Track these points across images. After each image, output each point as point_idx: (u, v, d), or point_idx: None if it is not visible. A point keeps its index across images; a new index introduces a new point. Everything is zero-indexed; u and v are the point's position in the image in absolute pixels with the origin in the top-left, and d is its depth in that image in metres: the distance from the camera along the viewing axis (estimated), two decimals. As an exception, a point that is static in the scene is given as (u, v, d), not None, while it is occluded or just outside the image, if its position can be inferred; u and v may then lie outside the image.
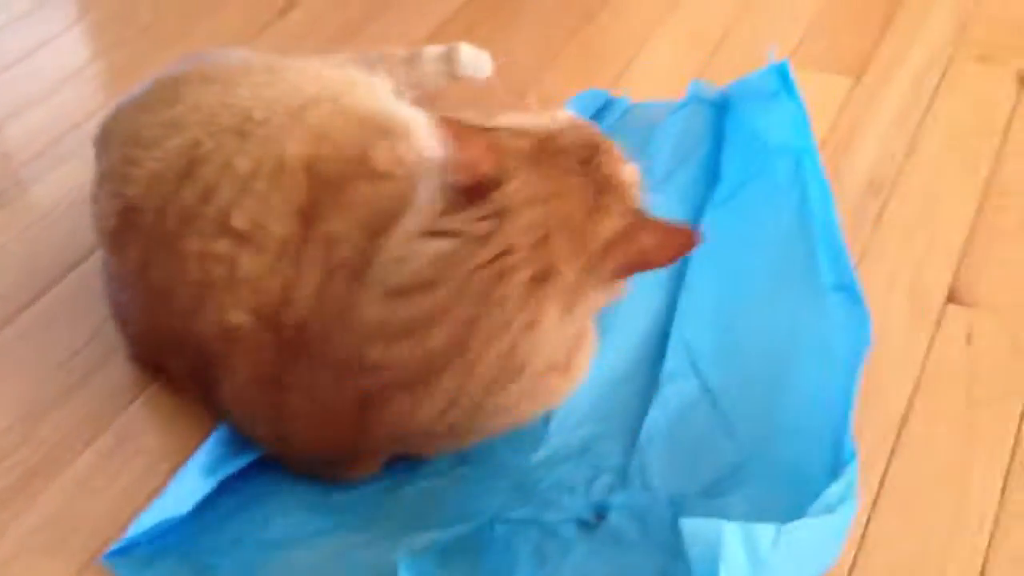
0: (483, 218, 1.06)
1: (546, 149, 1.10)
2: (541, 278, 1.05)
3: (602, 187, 1.10)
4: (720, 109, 1.61)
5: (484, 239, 1.05)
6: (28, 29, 1.98)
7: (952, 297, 1.46)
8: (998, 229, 1.56)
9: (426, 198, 1.10)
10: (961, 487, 1.25)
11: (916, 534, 1.21)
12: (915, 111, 1.76)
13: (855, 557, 1.19)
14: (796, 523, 1.04)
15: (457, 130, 1.06)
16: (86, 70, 1.90)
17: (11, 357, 1.42)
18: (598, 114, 1.68)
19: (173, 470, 1.22)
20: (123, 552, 1.15)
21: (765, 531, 1.01)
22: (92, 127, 1.72)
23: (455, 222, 1.06)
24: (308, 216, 1.17)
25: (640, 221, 1.10)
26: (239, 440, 1.23)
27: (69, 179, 1.66)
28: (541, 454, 1.26)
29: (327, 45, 1.89)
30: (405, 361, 1.07)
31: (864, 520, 1.22)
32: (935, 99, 1.78)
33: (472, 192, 1.06)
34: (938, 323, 1.43)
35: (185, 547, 1.16)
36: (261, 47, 1.88)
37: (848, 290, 1.36)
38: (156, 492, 1.20)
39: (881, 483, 1.25)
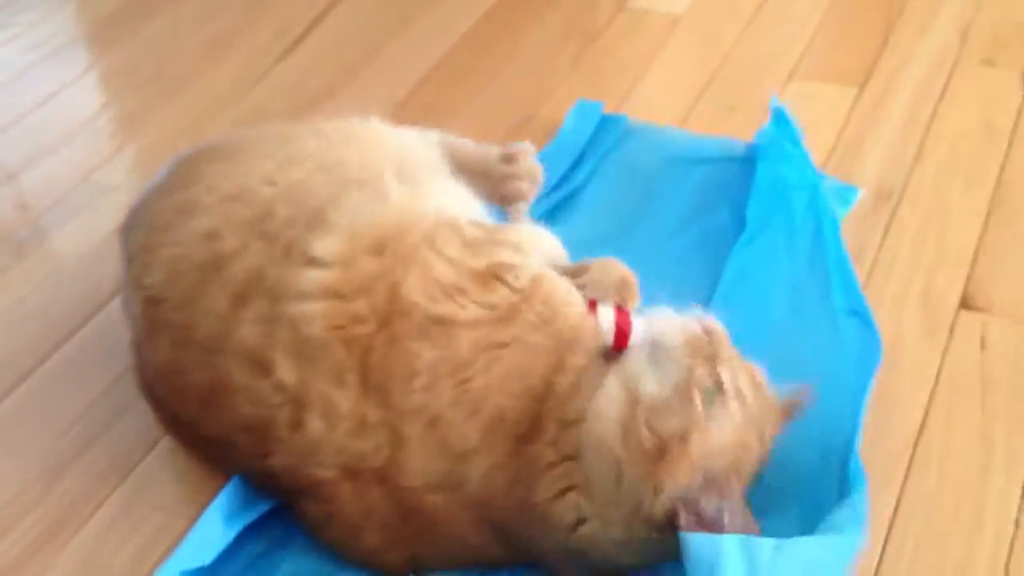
0: None
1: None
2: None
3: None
4: (748, 162, 1.62)
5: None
6: (39, 80, 2.01)
7: (965, 303, 1.46)
8: (1009, 233, 1.55)
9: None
10: (979, 496, 1.25)
11: (935, 544, 1.21)
12: (921, 117, 1.76)
13: (876, 567, 1.19)
14: (797, 539, 1.03)
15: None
16: (97, 119, 1.92)
17: (30, 412, 1.43)
18: (595, 134, 1.70)
19: (190, 523, 1.22)
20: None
21: (764, 545, 1.01)
22: (105, 176, 1.78)
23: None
24: (371, 383, 1.12)
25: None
26: (255, 487, 1.23)
27: (84, 229, 1.68)
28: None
29: (329, 84, 1.91)
30: None
31: (884, 531, 1.22)
32: (940, 104, 1.78)
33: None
34: (952, 330, 1.43)
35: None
36: (266, 89, 1.91)
37: (859, 315, 1.37)
38: (174, 545, 1.21)
39: (900, 494, 1.25)
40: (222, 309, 1.17)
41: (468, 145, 1.53)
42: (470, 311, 1.12)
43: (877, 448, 1.29)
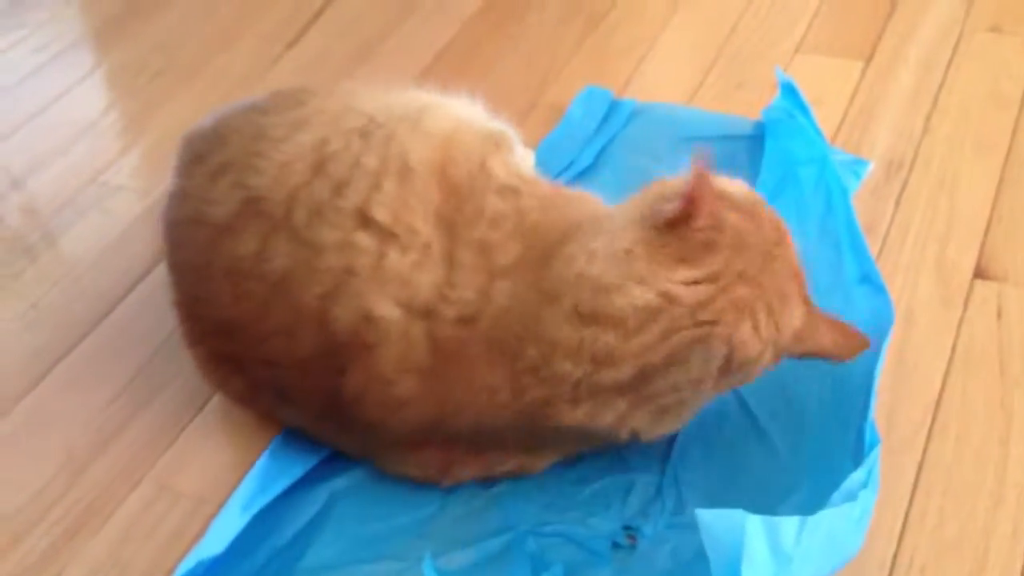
0: (698, 282, 1.10)
1: (750, 223, 1.14)
2: (732, 358, 1.11)
3: (790, 273, 1.15)
4: (756, 139, 1.62)
5: (696, 307, 1.10)
6: (45, 82, 2.00)
7: (979, 272, 1.45)
8: (1021, 200, 1.54)
9: (618, 222, 1.15)
10: (1000, 464, 1.24)
11: (957, 512, 1.21)
12: (929, 88, 1.75)
13: (899, 538, 1.19)
14: (820, 514, 1.02)
15: (699, 169, 1.10)
16: (102, 121, 1.92)
17: (51, 408, 1.43)
18: (605, 118, 1.69)
19: (216, 511, 1.23)
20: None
21: (789, 524, 1.00)
22: (111, 177, 1.78)
23: (673, 283, 1.10)
24: (447, 221, 1.21)
25: (819, 316, 1.18)
26: (272, 473, 1.25)
27: (94, 231, 1.68)
28: (576, 469, 1.27)
29: (335, 75, 1.91)
30: (588, 382, 1.13)
31: (906, 501, 1.22)
32: (948, 74, 1.77)
33: (681, 224, 1.11)
34: (967, 300, 1.42)
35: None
36: (272, 83, 1.91)
37: (871, 281, 1.36)
38: (200, 535, 1.22)
39: (920, 464, 1.25)
40: (323, 195, 1.23)
41: None
42: (535, 189, 1.27)
43: (895, 420, 1.29)
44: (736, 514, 0.99)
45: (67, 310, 1.56)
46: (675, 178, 1.17)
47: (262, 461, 1.27)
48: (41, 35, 2.12)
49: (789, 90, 1.55)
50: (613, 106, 1.72)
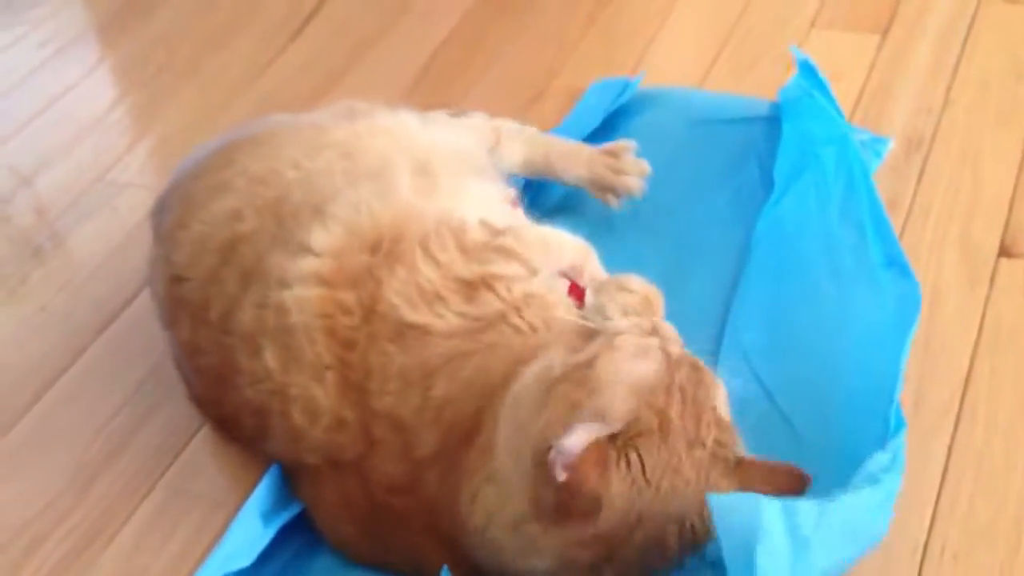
0: (586, 546, 1.00)
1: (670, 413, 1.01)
2: None
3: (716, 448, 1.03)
4: (773, 121, 1.58)
5: (596, 559, 1.00)
6: (49, 79, 1.99)
7: (1004, 251, 1.42)
8: (1045, 176, 1.52)
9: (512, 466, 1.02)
10: (1030, 445, 1.22)
11: (988, 498, 1.18)
12: (947, 61, 1.72)
13: (930, 525, 1.16)
14: (841, 498, 0.99)
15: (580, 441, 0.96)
16: (107, 117, 1.90)
17: (57, 420, 1.41)
18: (618, 104, 1.66)
19: (229, 517, 1.21)
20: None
21: (807, 508, 0.96)
22: (118, 175, 1.76)
23: (570, 545, 1.00)
24: (347, 380, 1.12)
25: (752, 471, 1.04)
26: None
27: (101, 230, 1.67)
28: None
29: (341, 64, 1.89)
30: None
31: (936, 485, 1.20)
32: (966, 47, 1.74)
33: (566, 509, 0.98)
34: (992, 279, 1.39)
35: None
36: (278, 71, 1.89)
37: (897, 265, 1.34)
38: (215, 542, 1.19)
39: (949, 449, 1.23)
40: (233, 290, 1.19)
41: (564, 142, 1.54)
42: (447, 320, 1.12)
43: (923, 404, 1.27)
44: (751, 498, 0.95)
45: (75, 314, 1.54)
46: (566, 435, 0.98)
47: (276, 467, 1.24)
48: (43, 31, 2.10)
49: (807, 68, 1.52)
50: (626, 91, 1.68)
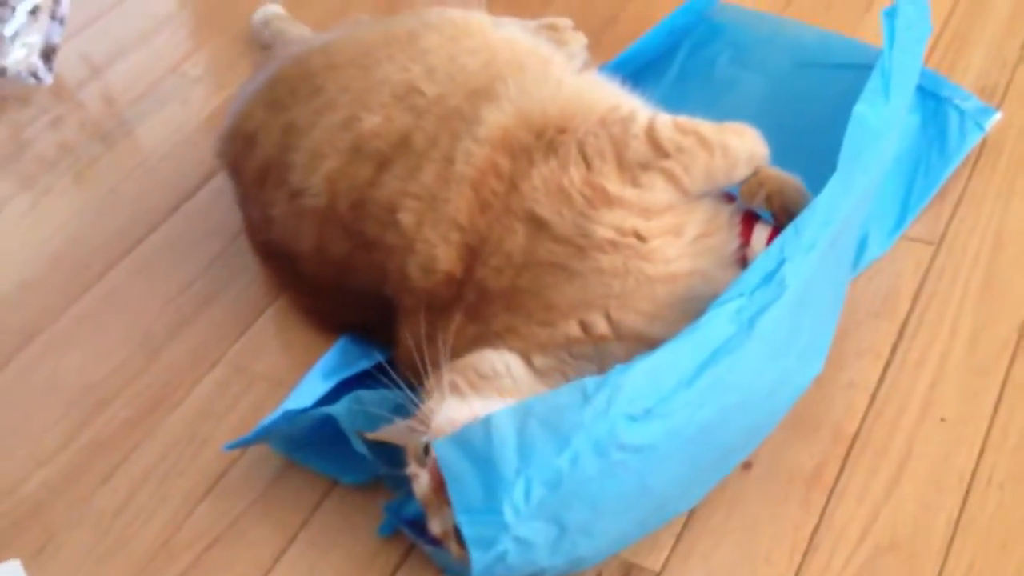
0: None
1: None
2: None
3: None
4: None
5: None
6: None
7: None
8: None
9: None
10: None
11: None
12: (1024, 11, 1.70)
13: (979, 454, 1.18)
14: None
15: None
16: (180, 13, 1.91)
17: (127, 290, 1.44)
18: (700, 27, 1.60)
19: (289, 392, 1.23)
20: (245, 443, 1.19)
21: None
22: (189, 68, 1.77)
23: None
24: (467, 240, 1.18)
25: None
26: (351, 351, 1.27)
27: (170, 120, 1.69)
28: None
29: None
30: None
31: (987, 420, 1.21)
32: (1046, 1, 1.72)
33: None
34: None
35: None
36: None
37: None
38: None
39: (1003, 385, 1.24)
40: (366, 174, 1.23)
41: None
42: (565, 225, 1.13)
43: (979, 340, 1.28)
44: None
45: (146, 195, 1.57)
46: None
47: (342, 341, 1.28)
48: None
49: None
50: (713, 13, 1.59)
